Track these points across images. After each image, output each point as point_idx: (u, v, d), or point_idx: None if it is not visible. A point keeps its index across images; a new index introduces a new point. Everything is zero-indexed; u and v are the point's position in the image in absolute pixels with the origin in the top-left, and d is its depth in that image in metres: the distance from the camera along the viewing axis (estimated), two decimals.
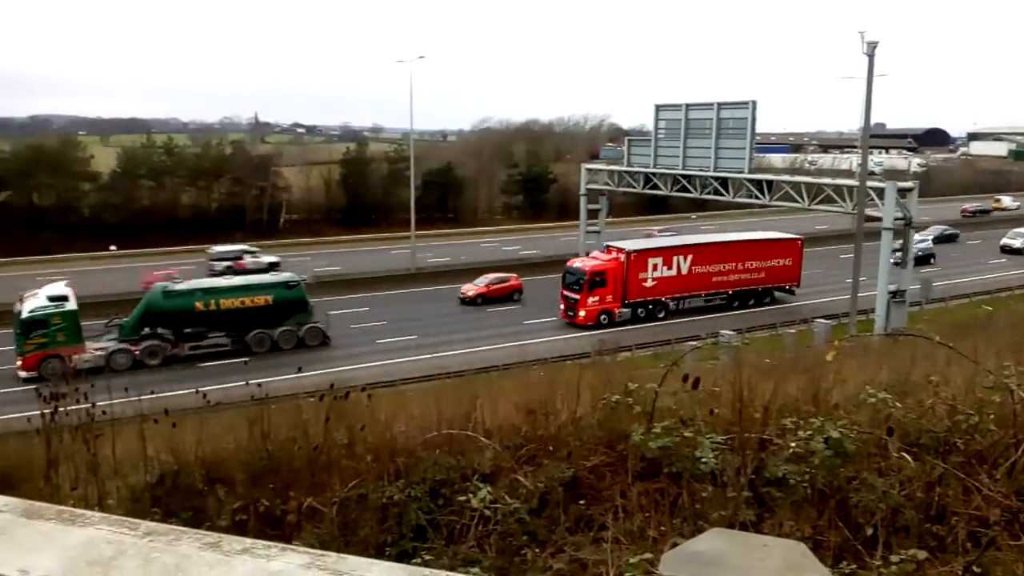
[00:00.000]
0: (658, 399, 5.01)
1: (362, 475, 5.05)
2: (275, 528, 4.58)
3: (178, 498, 5.01)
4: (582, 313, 45.11)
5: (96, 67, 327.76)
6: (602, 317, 45.52)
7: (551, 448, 5.24)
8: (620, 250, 47.68)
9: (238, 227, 78.32)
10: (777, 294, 52.05)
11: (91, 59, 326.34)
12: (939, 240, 70.57)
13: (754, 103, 51.99)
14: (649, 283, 47.55)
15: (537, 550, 4.23)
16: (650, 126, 61.08)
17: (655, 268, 47.67)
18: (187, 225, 75.50)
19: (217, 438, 6.04)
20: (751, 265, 50.88)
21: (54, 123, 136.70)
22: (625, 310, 46.54)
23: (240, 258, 63.70)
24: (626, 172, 62.11)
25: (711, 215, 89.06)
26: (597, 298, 45.64)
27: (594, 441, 5.16)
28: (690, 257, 49.03)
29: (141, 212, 76.16)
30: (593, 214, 65.96)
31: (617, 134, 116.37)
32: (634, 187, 62.22)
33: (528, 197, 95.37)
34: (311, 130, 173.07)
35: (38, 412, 5.40)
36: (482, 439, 5.36)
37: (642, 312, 47.16)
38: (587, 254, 55.69)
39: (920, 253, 65.07)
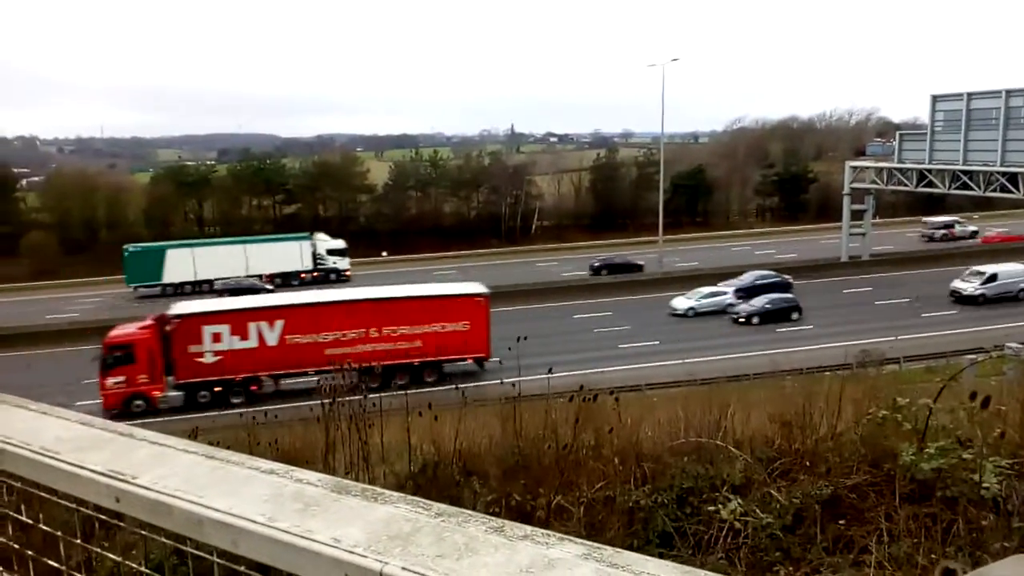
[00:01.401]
0: (932, 417, 4.59)
1: (609, 477, 5.10)
2: (525, 523, 4.75)
3: (437, 487, 5.35)
4: (102, 397, 34.19)
5: (372, 87, 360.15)
6: (136, 403, 34.58)
7: (807, 463, 4.97)
8: (161, 316, 36.34)
9: (494, 234, 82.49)
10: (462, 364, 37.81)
11: (368, 80, 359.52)
12: None
13: None
14: (209, 358, 35.59)
15: (791, 568, 4.04)
16: (924, 119, 56.27)
17: (217, 338, 35.56)
18: (449, 232, 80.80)
19: (473, 432, 6.37)
20: (396, 332, 37.16)
21: (336, 141, 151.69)
22: (176, 393, 35.64)
23: (951, 227, 74.36)
24: (896, 169, 57.56)
25: (997, 215, 79.79)
26: (122, 378, 34.46)
27: (856, 459, 4.82)
28: (280, 322, 36.17)
29: (409, 221, 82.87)
30: (857, 215, 61.71)
31: (886, 128, 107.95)
32: (906, 185, 57.47)
33: (784, 198, 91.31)
34: (563, 138, 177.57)
35: (318, 402, 6.02)
36: (732, 449, 5.20)
37: (205, 396, 35.55)
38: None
39: None
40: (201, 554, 1.59)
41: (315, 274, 63.74)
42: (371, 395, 6.12)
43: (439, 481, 5.48)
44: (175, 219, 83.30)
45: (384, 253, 75.88)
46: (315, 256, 64.73)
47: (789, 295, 48.90)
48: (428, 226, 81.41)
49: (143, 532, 1.69)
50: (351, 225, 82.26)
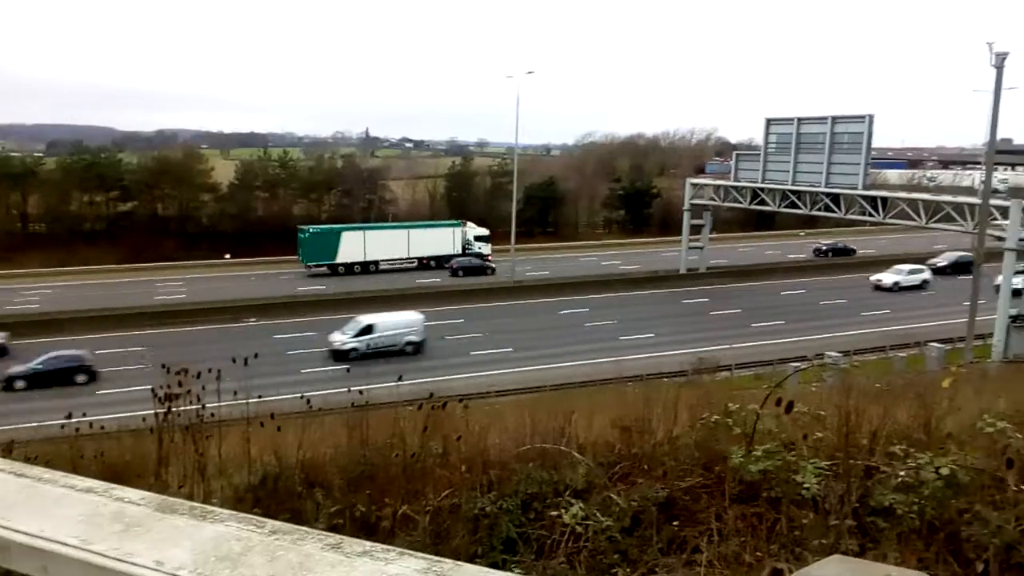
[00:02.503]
0: (759, 421, 4.87)
1: (455, 485, 5.09)
2: (370, 534, 4.67)
3: (277, 500, 5.17)
4: None
5: (219, 83, 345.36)
6: None
7: (646, 467, 5.16)
8: None
9: None
10: None
11: (215, 75, 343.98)
12: None
13: (871, 117, 50.26)
14: None
15: (628, 569, 4.17)
16: (759, 140, 60.03)
17: None
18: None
19: (318, 443, 6.21)
20: None
21: (179, 137, 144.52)
22: None
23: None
24: (732, 187, 61.05)
25: (821, 232, 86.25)
26: None
27: (690, 462, 5.05)
28: None
29: (256, 222, 79.65)
30: (696, 229, 65.03)
31: (724, 148, 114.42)
32: (741, 202, 61.09)
33: (630, 212, 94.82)
34: (419, 144, 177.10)
35: (152, 411, 5.68)
36: (575, 454, 5.32)
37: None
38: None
39: None
40: None
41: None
42: (209, 404, 5.85)
43: (280, 493, 5.30)
44: None
45: (227, 256, 72.77)
46: (464, 242, 70.73)
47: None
48: (276, 228, 78.59)
49: None
50: (191, 226, 78.18)
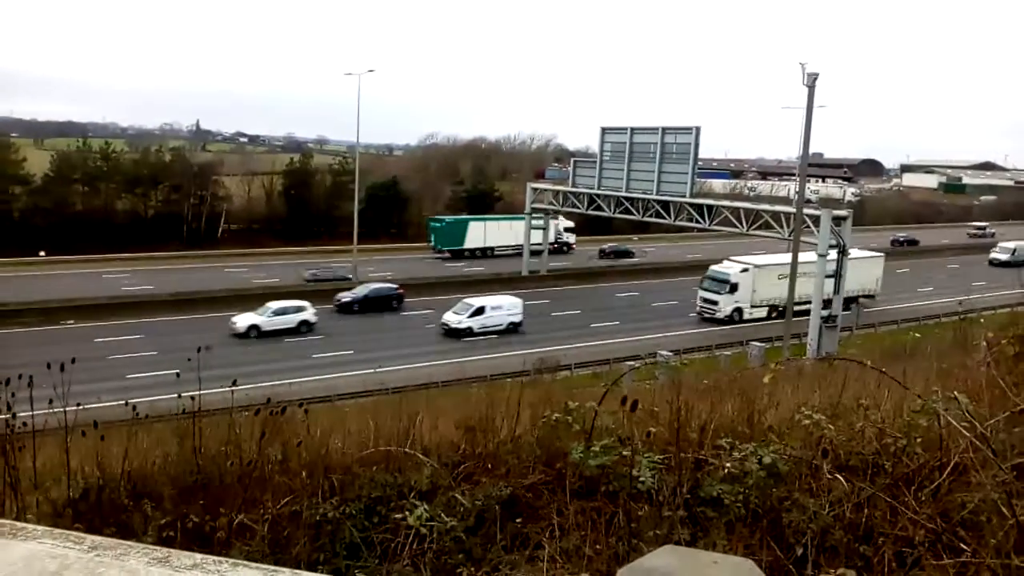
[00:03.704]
0: (597, 418, 5.03)
1: (296, 492, 4.94)
2: (204, 545, 4.44)
3: (101, 514, 4.83)
4: None
5: (33, 66, 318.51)
6: None
7: (489, 466, 5.21)
8: None
9: (175, 236, 76.85)
10: None
11: (27, 57, 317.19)
12: None
13: (698, 129, 53.13)
14: None
15: (472, 569, 4.19)
16: (596, 148, 61.96)
17: None
18: (122, 232, 73.63)
19: (146, 452, 5.86)
20: None
21: None
22: None
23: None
24: (571, 192, 62.85)
25: (653, 237, 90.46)
26: None
27: (532, 459, 5.14)
28: None
29: (73, 218, 74.01)
30: (537, 232, 66.51)
31: (563, 155, 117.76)
32: (578, 207, 63.00)
33: (473, 213, 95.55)
34: (254, 140, 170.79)
35: None
36: (420, 456, 5.30)
37: None
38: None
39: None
40: None
41: (553, 245, 75.26)
42: (21, 413, 5.38)
43: (104, 507, 4.95)
44: None
45: (42, 253, 67.27)
46: (556, 232, 78.13)
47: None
48: (97, 224, 73.40)
49: None
50: (2, 221, 71.65)
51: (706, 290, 55.76)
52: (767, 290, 55.75)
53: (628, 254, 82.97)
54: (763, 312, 55.61)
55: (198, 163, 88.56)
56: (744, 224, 50.97)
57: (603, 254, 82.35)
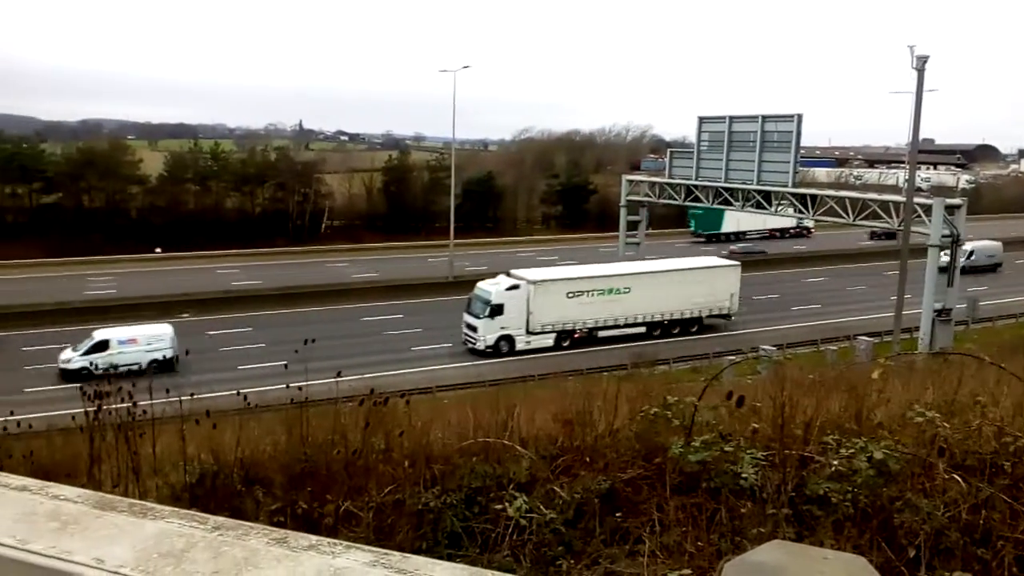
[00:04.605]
0: (697, 413, 4.96)
1: (398, 481, 5.06)
2: (312, 531, 4.61)
3: (216, 498, 5.07)
4: None
5: (148, 71, 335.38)
6: None
7: (587, 459, 5.20)
8: None
9: (281, 232, 79.52)
10: None
11: (143, 63, 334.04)
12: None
13: (799, 116, 51.47)
14: None
15: (572, 561, 4.21)
16: (693, 138, 60.86)
17: None
18: (231, 229, 76.74)
19: (256, 440, 6.10)
20: None
21: (105, 127, 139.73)
22: None
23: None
24: (667, 184, 61.87)
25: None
26: None
27: (631, 454, 5.11)
28: None
29: (186, 216, 77.62)
30: (633, 225, 65.77)
31: (659, 146, 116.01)
32: (675, 199, 61.96)
33: (567, 207, 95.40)
34: (354, 138, 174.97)
35: (82, 410, 5.51)
36: (518, 448, 5.34)
37: None
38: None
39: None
40: None
41: (792, 230, 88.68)
42: (140, 402, 5.70)
43: (219, 492, 5.19)
44: None
45: (158, 249, 70.86)
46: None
47: None
48: (208, 222, 76.78)
49: None
50: (120, 219, 75.78)
51: (469, 313, 45.64)
52: (551, 312, 45.24)
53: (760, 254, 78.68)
54: (549, 341, 45.42)
55: (301, 161, 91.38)
56: (851, 214, 49.11)
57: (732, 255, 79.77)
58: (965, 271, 50.93)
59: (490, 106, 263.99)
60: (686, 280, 48.59)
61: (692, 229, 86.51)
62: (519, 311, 44.50)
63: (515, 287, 45.04)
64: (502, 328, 44.20)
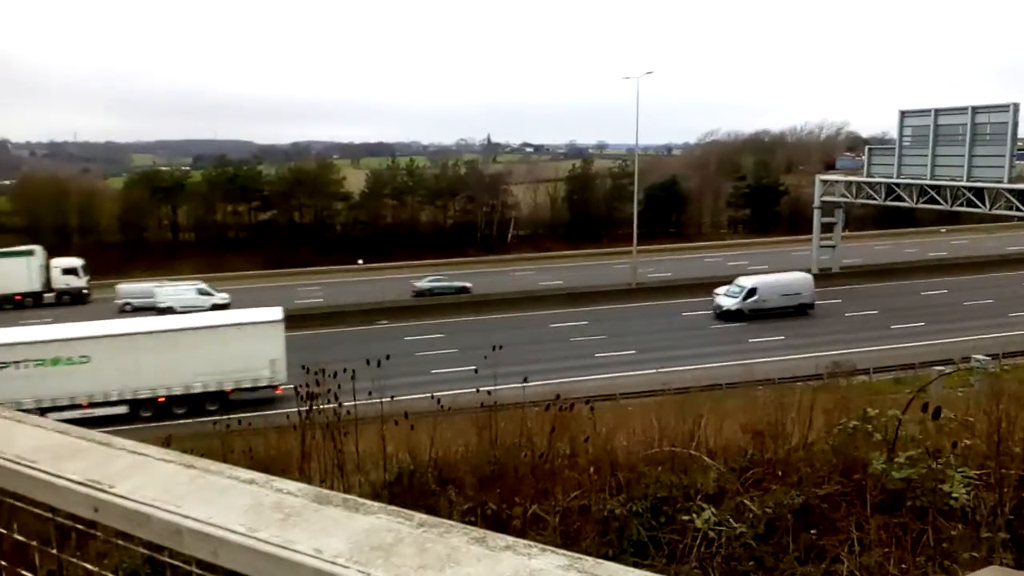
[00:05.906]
0: (901, 427, 4.66)
1: (584, 486, 5.11)
2: (501, 532, 4.74)
3: (413, 496, 5.33)
4: None
5: (350, 94, 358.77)
6: None
7: (780, 473, 5.02)
8: None
9: (470, 242, 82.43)
10: None
11: (346, 87, 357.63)
12: None
13: (1015, 106, 46.91)
14: None
15: None
16: (893, 133, 57.12)
17: None
18: (425, 240, 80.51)
19: (449, 441, 6.36)
20: None
21: (312, 148, 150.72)
22: None
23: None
24: (865, 183, 58.33)
25: (963, 229, 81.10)
26: None
27: (827, 468, 4.88)
28: None
29: (385, 228, 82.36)
30: (827, 228, 62.44)
31: (856, 143, 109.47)
32: (875, 199, 58.25)
33: (756, 210, 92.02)
34: (539, 149, 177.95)
35: (295, 410, 5.98)
36: (706, 459, 5.24)
37: None
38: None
39: None
40: (178, 563, 1.58)
41: None
42: (347, 403, 6.10)
43: (415, 490, 5.47)
44: (149, 224, 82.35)
45: (360, 261, 75.48)
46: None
47: None
48: (405, 234, 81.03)
49: (118, 542, 1.67)
50: (327, 233, 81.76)
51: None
52: None
53: None
54: None
55: (489, 174, 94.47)
56: None
57: None
58: None
59: (674, 110, 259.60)
60: (188, 344, 35.64)
61: None
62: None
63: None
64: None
